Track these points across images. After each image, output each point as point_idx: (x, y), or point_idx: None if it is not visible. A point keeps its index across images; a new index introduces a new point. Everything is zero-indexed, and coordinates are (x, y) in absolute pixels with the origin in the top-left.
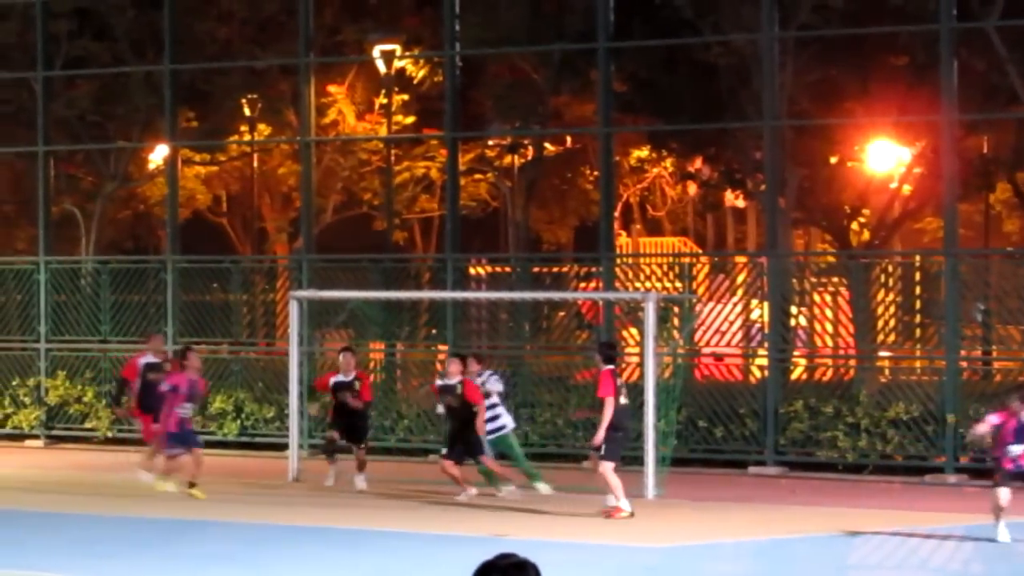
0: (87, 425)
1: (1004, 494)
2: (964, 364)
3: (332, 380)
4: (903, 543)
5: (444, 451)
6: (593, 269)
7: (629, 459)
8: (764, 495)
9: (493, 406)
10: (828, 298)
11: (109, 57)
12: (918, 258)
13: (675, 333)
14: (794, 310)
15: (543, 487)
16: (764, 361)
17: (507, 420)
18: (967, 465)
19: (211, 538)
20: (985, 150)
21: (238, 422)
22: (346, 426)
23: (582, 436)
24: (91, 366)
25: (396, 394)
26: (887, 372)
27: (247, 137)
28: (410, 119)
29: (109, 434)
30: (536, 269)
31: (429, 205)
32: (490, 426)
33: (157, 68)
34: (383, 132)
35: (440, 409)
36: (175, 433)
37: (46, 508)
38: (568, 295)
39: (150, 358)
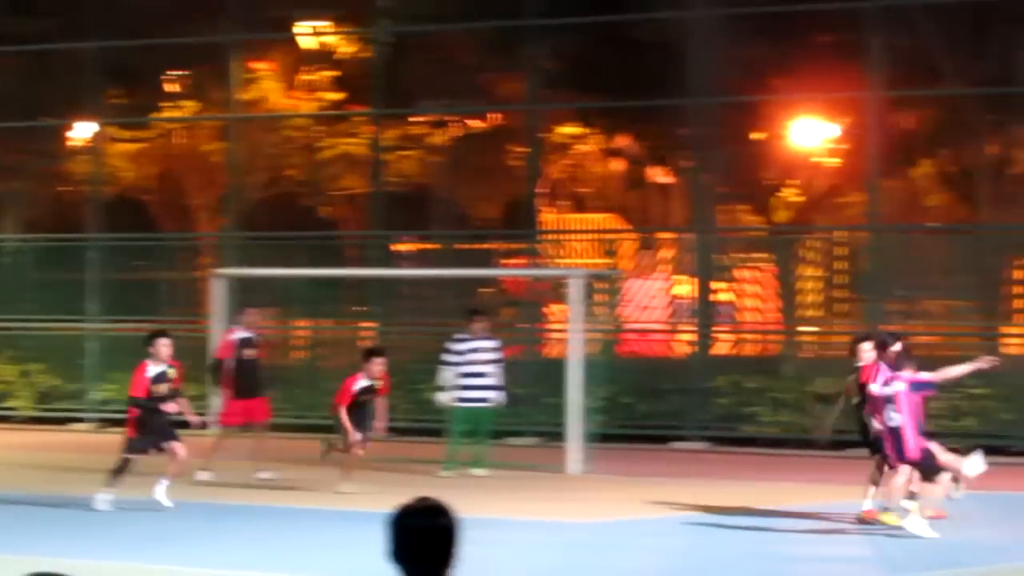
0: (10, 403)
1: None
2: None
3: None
4: (824, 516)
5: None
6: (519, 246)
7: (554, 435)
8: (689, 470)
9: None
10: (753, 274)
11: (34, 34)
12: (842, 234)
13: (601, 309)
14: (719, 286)
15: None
16: (689, 337)
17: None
18: None
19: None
20: (908, 126)
21: None
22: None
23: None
24: (12, 344)
25: (321, 371)
26: (810, 347)
27: (174, 114)
28: (337, 96)
29: (33, 413)
30: (462, 246)
31: (356, 182)
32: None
33: (83, 45)
34: (310, 109)
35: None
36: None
37: None
38: (494, 272)
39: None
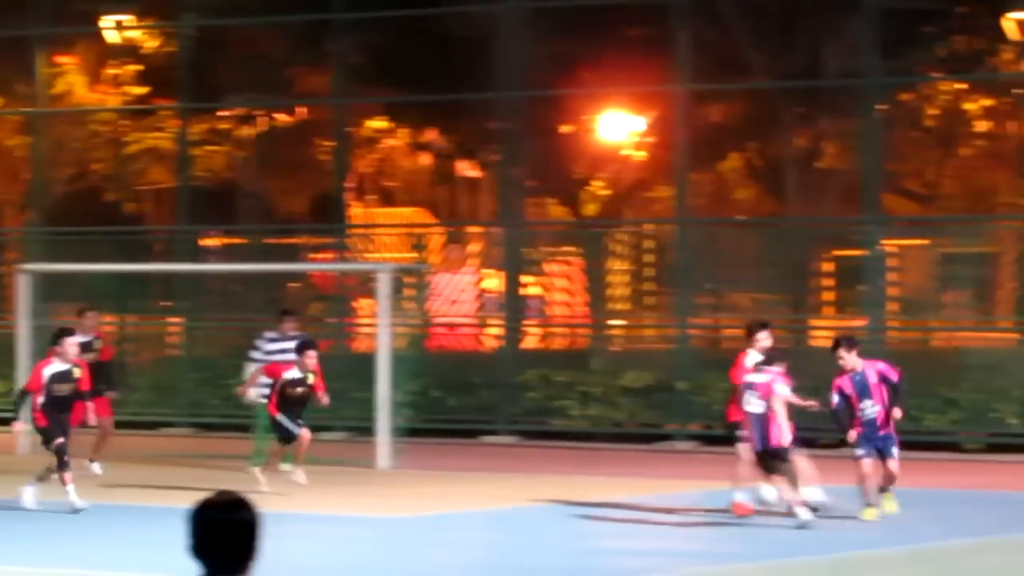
0: None
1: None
2: (694, 332)
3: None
4: (634, 510)
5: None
6: (327, 240)
7: (363, 430)
8: (498, 465)
9: None
10: (561, 267)
11: None
12: (651, 227)
13: (409, 303)
14: (527, 280)
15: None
16: (498, 331)
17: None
18: (698, 432)
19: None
20: (716, 120)
21: None
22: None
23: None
24: None
25: (128, 367)
26: (619, 340)
27: None
28: (143, 90)
29: None
30: (270, 240)
31: (163, 177)
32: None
33: None
34: (114, 103)
35: None
36: None
37: None
38: (302, 266)
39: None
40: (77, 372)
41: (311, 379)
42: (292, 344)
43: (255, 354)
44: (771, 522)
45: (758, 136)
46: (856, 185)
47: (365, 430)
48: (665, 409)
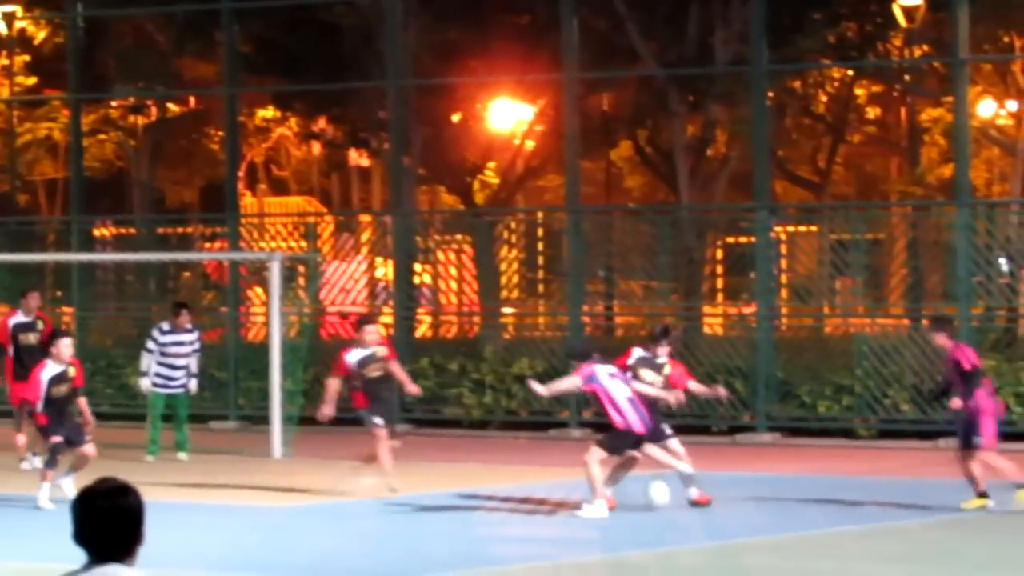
0: None
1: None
2: (587, 320)
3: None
4: (524, 498)
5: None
6: (219, 229)
7: (256, 419)
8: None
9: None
10: (453, 256)
11: None
12: (541, 215)
13: (301, 292)
14: (419, 268)
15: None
16: (389, 319)
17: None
18: (590, 419)
19: None
20: (606, 108)
21: None
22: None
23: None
24: None
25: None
26: (511, 329)
27: None
28: (33, 80)
29: None
30: (162, 230)
31: (53, 167)
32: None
33: None
34: (4, 94)
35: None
36: None
37: None
38: (194, 256)
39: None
40: (72, 372)
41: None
42: (186, 337)
43: (151, 345)
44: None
45: (648, 124)
46: (747, 172)
47: (261, 419)
48: (558, 397)
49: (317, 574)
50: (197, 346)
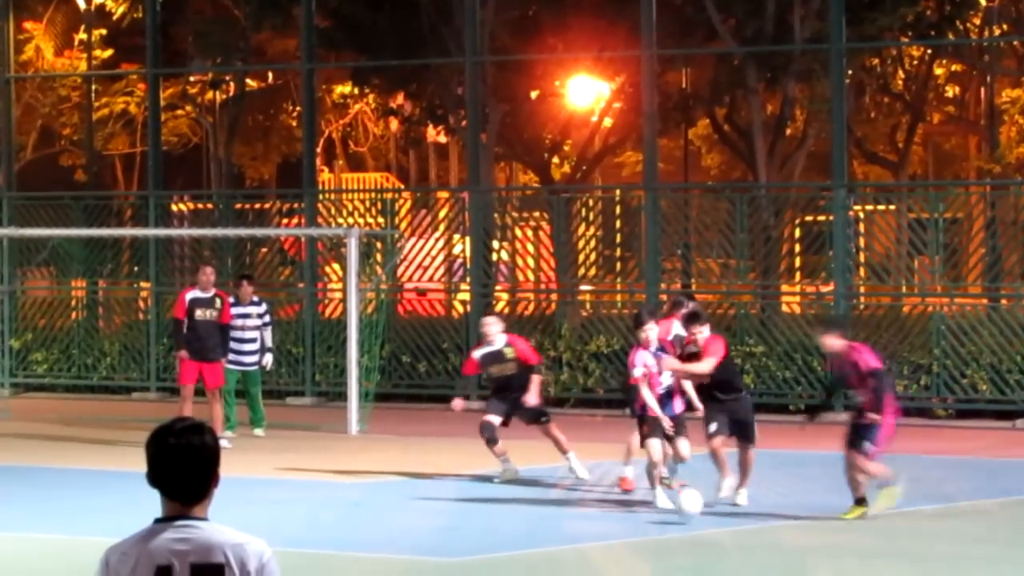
0: None
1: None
2: (664, 297)
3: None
4: (599, 477)
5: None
6: (296, 205)
7: (333, 395)
8: (467, 430)
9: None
10: (530, 233)
11: None
12: (618, 192)
13: (378, 269)
14: (496, 245)
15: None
16: (467, 296)
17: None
18: None
19: None
20: (684, 85)
21: None
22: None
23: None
24: None
25: (99, 332)
26: (588, 306)
27: None
28: (111, 54)
29: None
30: (239, 205)
31: (130, 142)
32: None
33: None
34: (82, 68)
35: None
36: None
37: None
38: (271, 231)
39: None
40: None
41: None
42: (252, 310)
43: None
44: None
45: (726, 102)
46: (825, 151)
47: (338, 395)
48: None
49: (393, 550)
50: (267, 319)
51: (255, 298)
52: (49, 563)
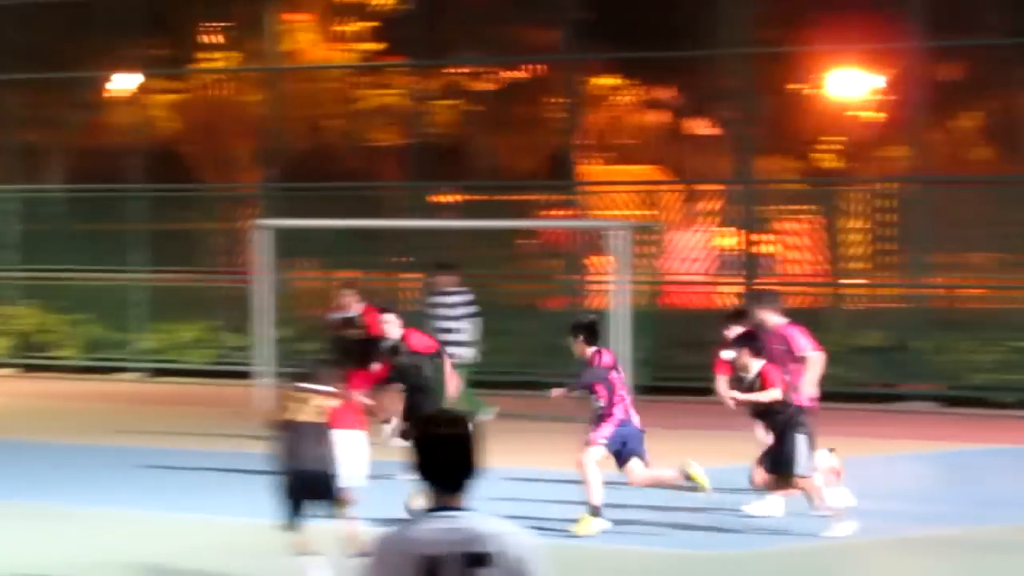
0: (60, 353)
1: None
2: (931, 292)
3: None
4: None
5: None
6: (558, 197)
7: None
8: (733, 423)
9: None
10: (797, 226)
11: None
12: (885, 185)
13: (642, 261)
14: (761, 237)
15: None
16: (731, 288)
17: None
18: (934, 392)
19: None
20: (952, 78)
21: (209, 351)
22: None
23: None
24: (60, 295)
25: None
26: (856, 300)
27: (215, 65)
28: (374, 47)
29: (82, 362)
30: (502, 197)
31: (393, 133)
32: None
33: None
34: (347, 60)
35: None
36: None
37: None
38: (536, 223)
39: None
40: None
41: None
42: (450, 299)
43: (428, 311)
44: None
45: (994, 94)
46: None
47: None
48: (901, 369)
49: (662, 543)
50: (469, 309)
51: (454, 287)
52: None
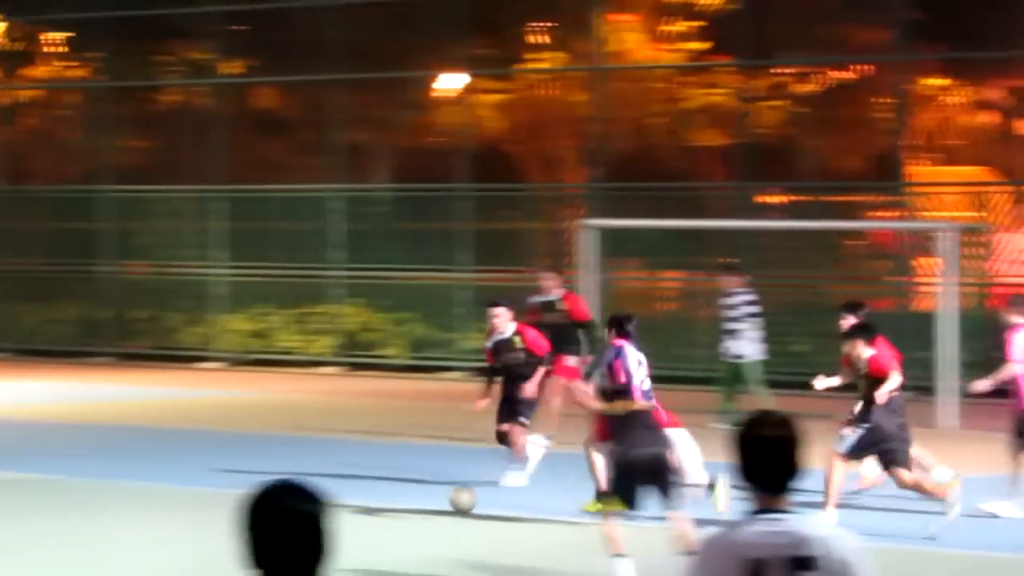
0: (384, 352)
1: None
2: None
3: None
4: None
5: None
6: (884, 198)
7: (922, 389)
8: None
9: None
10: None
11: None
12: None
13: (970, 263)
14: None
15: None
16: None
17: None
18: None
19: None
20: None
21: None
22: None
23: None
24: (386, 294)
25: (691, 324)
26: None
27: (540, 65)
28: (699, 47)
29: (406, 362)
30: (825, 198)
31: (718, 133)
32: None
33: None
34: (672, 60)
35: None
36: None
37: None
38: (861, 224)
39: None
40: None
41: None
42: (731, 300)
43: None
44: None
45: None
46: None
47: (924, 389)
48: None
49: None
50: (750, 310)
51: (736, 288)
52: None
